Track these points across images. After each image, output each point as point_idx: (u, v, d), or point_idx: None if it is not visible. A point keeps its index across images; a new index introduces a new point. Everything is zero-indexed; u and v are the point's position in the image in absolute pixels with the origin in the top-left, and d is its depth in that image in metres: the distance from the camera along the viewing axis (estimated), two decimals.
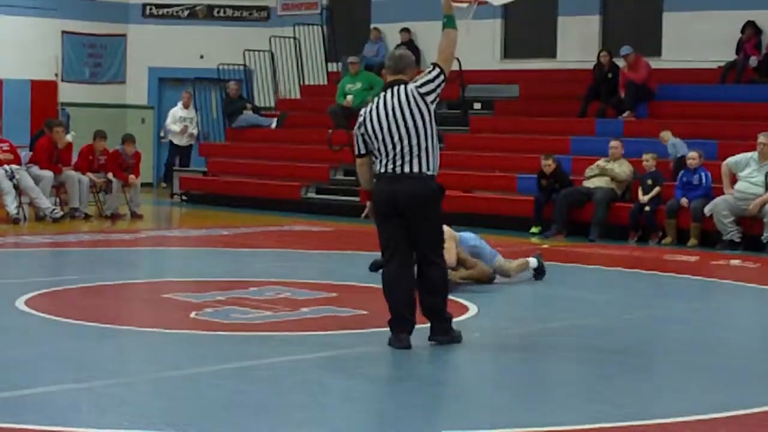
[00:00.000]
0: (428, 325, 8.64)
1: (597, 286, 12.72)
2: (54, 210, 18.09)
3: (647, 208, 16.77)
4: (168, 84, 27.02)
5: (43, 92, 25.50)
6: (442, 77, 8.47)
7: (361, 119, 8.52)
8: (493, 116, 21.72)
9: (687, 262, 14.74)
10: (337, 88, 22.48)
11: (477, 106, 22.15)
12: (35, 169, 18.27)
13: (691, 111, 19.43)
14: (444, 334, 8.60)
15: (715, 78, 20.03)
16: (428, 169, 8.41)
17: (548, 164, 17.63)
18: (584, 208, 17.30)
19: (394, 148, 8.36)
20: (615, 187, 17.26)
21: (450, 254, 11.18)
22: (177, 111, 24.85)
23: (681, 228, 16.54)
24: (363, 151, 8.58)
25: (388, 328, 8.50)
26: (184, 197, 23.45)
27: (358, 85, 21.82)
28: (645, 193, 16.92)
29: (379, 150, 8.42)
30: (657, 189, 16.82)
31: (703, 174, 16.61)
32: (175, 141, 24.75)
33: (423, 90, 8.42)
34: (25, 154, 19.07)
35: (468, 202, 18.79)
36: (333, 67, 25.02)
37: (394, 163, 8.38)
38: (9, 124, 21.03)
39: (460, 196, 18.83)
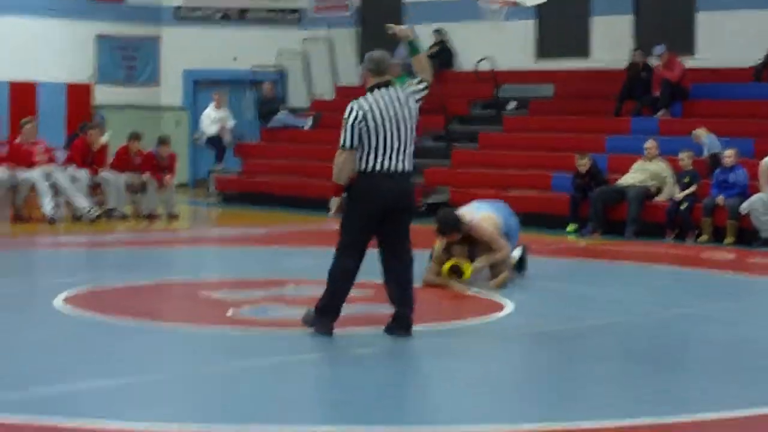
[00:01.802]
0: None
1: (633, 284, 12.67)
2: (90, 210, 18.15)
3: (683, 206, 16.72)
4: (202, 86, 27.07)
5: (78, 95, 25.62)
6: (425, 92, 8.76)
7: (360, 112, 8.47)
8: (528, 115, 21.69)
9: (724, 259, 14.69)
10: None
11: (511, 105, 22.09)
12: (71, 169, 18.35)
13: (726, 109, 19.35)
14: (409, 327, 8.79)
15: (750, 76, 19.94)
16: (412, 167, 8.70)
17: (583, 163, 17.60)
18: (620, 206, 17.25)
19: (395, 145, 8.50)
20: (653, 184, 17.22)
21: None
22: (210, 112, 24.85)
23: (717, 226, 16.47)
24: (356, 144, 8.54)
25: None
26: (219, 197, 23.51)
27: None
28: (682, 191, 16.87)
29: (376, 146, 8.47)
30: (693, 186, 16.76)
31: (739, 172, 16.54)
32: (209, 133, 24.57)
33: (417, 97, 8.70)
34: (61, 153, 19.13)
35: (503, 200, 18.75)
36: None
37: (391, 160, 8.50)
38: (44, 127, 21.06)
39: (495, 195, 18.80)
